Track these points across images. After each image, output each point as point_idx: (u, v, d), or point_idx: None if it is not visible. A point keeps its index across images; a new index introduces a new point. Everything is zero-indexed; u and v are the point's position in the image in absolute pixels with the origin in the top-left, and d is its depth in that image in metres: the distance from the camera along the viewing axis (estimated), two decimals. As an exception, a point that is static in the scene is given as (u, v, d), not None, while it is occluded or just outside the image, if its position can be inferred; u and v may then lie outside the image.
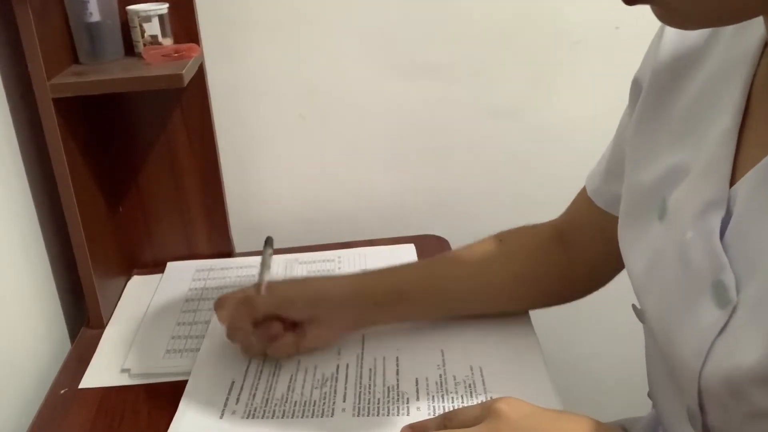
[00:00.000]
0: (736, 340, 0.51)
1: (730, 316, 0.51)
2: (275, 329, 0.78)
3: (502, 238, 0.85)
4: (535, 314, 0.87)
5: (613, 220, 0.69)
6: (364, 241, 1.13)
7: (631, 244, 0.65)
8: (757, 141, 0.54)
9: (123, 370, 0.85)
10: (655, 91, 0.65)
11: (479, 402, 0.72)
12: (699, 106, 0.60)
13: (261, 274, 0.82)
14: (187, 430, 0.73)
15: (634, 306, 0.66)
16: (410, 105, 1.21)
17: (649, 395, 0.71)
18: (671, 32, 0.64)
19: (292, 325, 0.79)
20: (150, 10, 0.93)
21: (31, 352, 0.88)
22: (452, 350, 0.82)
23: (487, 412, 0.58)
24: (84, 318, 0.97)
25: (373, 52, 1.17)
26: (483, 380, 0.77)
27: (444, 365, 0.80)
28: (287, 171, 1.24)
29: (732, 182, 0.54)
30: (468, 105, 1.21)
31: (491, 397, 0.73)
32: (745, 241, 0.52)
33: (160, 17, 0.93)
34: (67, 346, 0.96)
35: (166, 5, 0.94)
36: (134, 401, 0.80)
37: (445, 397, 0.75)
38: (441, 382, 0.77)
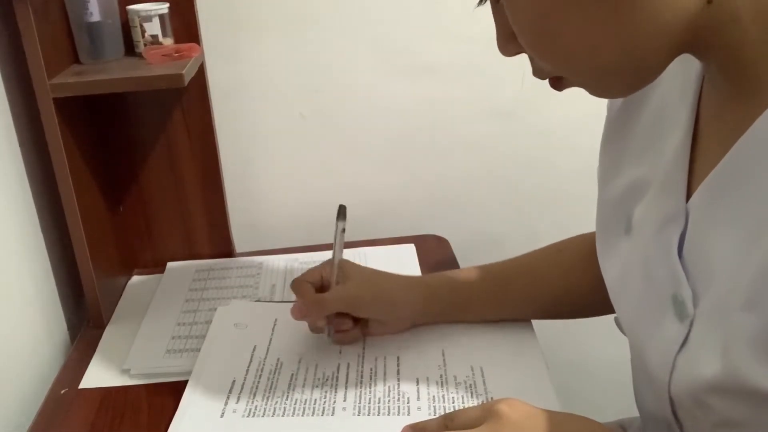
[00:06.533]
0: (696, 353, 0.52)
1: (689, 330, 0.52)
2: (345, 326, 0.83)
3: (560, 248, 0.86)
4: (535, 314, 0.88)
5: None
6: (364, 241, 1.13)
7: (605, 256, 0.67)
8: (708, 156, 0.55)
9: (123, 370, 0.85)
10: (616, 115, 0.68)
11: (480, 402, 0.73)
12: (656, 122, 0.62)
13: (333, 252, 0.82)
14: (188, 429, 0.73)
15: (615, 318, 0.67)
16: (410, 105, 1.21)
17: (636, 401, 0.72)
18: None
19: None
20: (150, 10, 0.93)
21: (32, 352, 0.88)
22: (453, 350, 0.82)
23: (488, 413, 0.58)
24: (84, 318, 0.97)
25: (373, 52, 1.17)
26: (484, 380, 0.77)
27: (445, 365, 0.80)
28: (287, 171, 1.24)
29: (689, 196, 0.55)
30: (468, 105, 1.21)
31: (492, 398, 0.74)
32: (701, 255, 0.53)
33: (161, 17, 0.93)
34: (68, 346, 0.96)
35: (167, 5, 0.94)
36: (135, 401, 0.80)
37: (446, 397, 0.75)
38: (442, 382, 0.77)
